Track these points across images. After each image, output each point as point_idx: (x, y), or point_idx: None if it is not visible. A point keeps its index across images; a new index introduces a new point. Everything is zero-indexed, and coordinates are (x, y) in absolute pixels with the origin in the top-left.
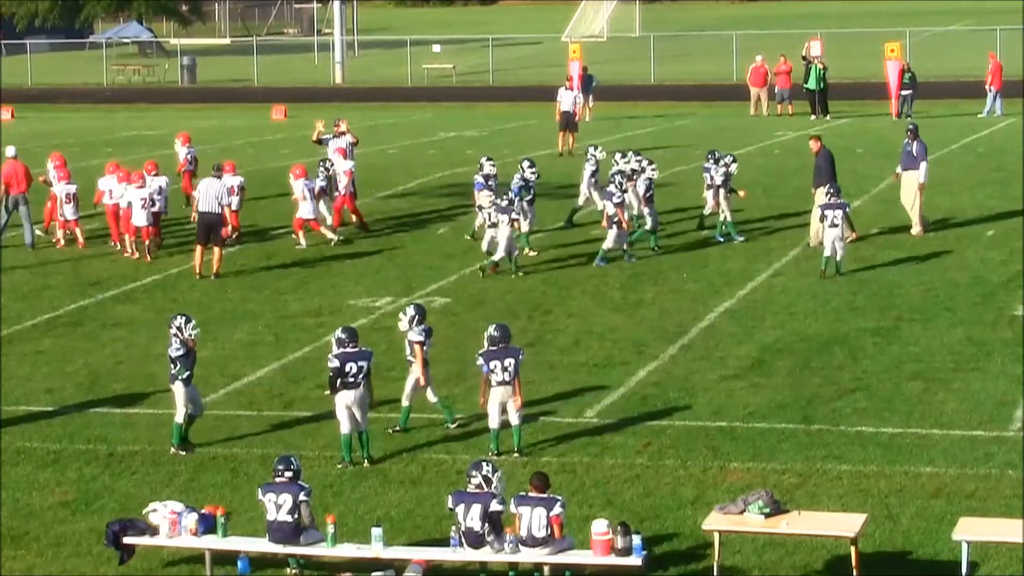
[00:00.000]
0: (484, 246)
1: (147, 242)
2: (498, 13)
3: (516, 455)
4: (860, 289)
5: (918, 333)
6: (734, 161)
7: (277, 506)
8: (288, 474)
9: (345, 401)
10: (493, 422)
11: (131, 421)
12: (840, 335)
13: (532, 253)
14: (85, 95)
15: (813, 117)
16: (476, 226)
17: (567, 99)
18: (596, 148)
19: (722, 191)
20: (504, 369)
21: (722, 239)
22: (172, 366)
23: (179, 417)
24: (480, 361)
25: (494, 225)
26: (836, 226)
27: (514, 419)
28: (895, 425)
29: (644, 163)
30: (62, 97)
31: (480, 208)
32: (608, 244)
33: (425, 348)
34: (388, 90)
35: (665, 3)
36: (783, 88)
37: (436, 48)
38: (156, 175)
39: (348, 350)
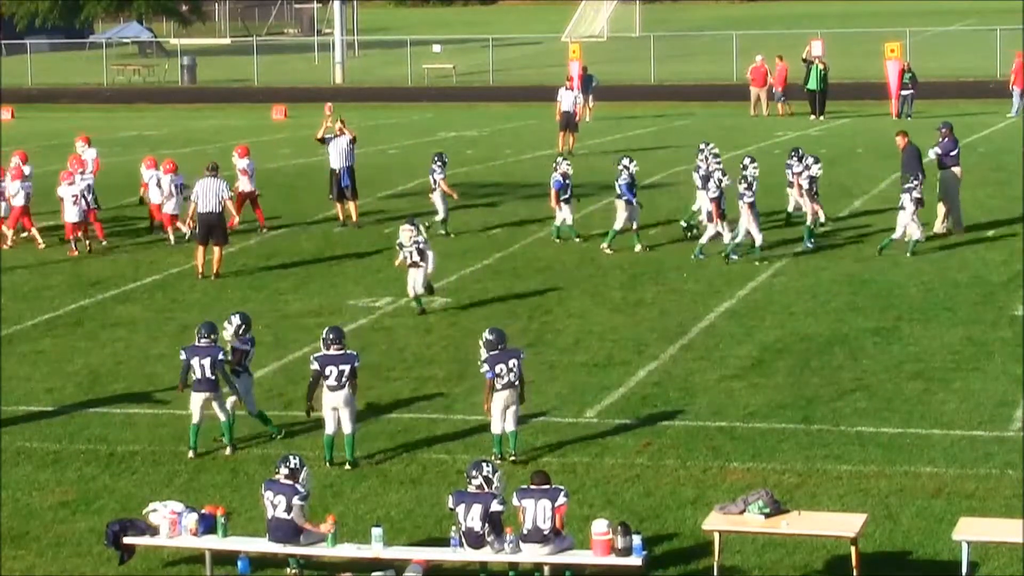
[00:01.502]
0: (410, 288)
1: (73, 238)
2: (498, 13)
3: (512, 459)
4: (860, 289)
5: (918, 333)
6: (816, 162)
7: (274, 505)
8: (284, 472)
9: (332, 403)
10: (496, 427)
11: (131, 421)
12: (840, 335)
13: (640, 249)
14: (85, 95)
15: (812, 117)
16: (561, 224)
17: (567, 99)
18: (709, 144)
19: (806, 194)
20: (509, 371)
21: (810, 244)
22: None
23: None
24: (485, 367)
25: (415, 264)
26: (904, 209)
27: (510, 424)
28: (895, 425)
29: (746, 160)
30: (62, 97)
31: (401, 246)
32: (705, 239)
33: (248, 358)
34: (388, 90)
35: (665, 3)
36: (779, 88)
37: (436, 48)
38: (83, 173)
39: (330, 353)
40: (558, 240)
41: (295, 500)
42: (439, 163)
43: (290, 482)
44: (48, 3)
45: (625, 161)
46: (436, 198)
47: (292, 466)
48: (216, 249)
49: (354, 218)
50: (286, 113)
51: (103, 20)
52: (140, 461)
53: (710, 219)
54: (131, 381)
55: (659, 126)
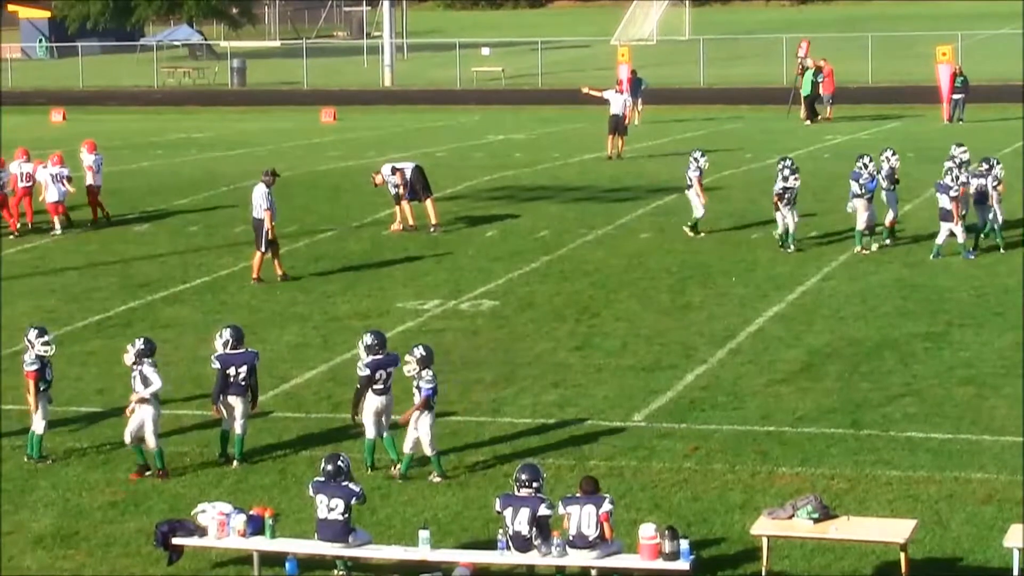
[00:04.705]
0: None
1: None
2: (547, 16)
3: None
4: (910, 293)
5: (969, 338)
6: (997, 163)
7: (329, 508)
8: (340, 475)
9: (374, 407)
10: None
11: (180, 422)
12: (890, 340)
13: (859, 250)
14: (135, 97)
15: (807, 123)
16: (785, 230)
17: (616, 102)
18: (960, 147)
19: (995, 196)
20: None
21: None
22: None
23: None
24: (432, 386)
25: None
26: None
27: (428, 450)
28: (945, 431)
29: (976, 162)
30: (113, 99)
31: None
32: (941, 239)
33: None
34: (437, 93)
35: (715, 6)
36: (827, 93)
37: (485, 51)
38: None
39: (378, 357)
40: (783, 248)
41: (354, 501)
42: (700, 157)
43: (343, 483)
44: (100, 6)
45: (865, 159)
46: (692, 195)
47: (345, 467)
48: (263, 254)
49: (433, 219)
50: (335, 116)
51: (154, 23)
52: (189, 462)
53: (949, 219)
54: (180, 383)
55: (708, 129)
